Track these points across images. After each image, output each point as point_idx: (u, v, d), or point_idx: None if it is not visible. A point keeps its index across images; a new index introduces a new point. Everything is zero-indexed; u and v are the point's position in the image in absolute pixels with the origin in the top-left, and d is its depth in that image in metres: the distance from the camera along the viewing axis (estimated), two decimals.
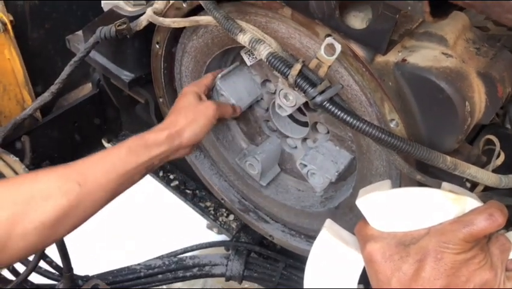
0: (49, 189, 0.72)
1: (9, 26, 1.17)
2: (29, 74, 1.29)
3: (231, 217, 1.39)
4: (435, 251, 0.51)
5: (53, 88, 1.05)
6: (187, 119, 0.85)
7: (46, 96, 1.06)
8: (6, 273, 1.16)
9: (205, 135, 0.89)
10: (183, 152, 0.87)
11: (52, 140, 1.33)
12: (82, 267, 1.23)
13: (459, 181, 0.67)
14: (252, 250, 1.24)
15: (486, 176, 0.67)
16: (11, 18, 1.17)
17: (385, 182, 0.63)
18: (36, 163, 1.26)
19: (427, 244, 0.52)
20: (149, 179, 1.63)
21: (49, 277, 1.20)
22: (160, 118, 1.15)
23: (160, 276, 1.22)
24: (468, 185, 0.71)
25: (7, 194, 0.71)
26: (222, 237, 1.61)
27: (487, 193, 0.70)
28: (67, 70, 1.02)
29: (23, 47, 1.24)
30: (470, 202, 0.54)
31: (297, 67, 0.66)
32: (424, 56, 0.67)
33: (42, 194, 0.71)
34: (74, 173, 0.75)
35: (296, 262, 1.19)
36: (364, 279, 0.62)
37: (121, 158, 0.79)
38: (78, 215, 0.74)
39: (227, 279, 1.23)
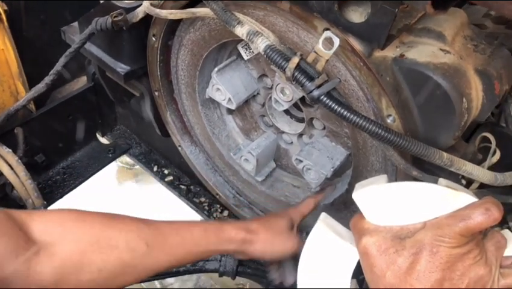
0: (118, 240, 0.72)
1: (3, 16, 1.15)
2: (24, 65, 1.28)
3: (225, 213, 1.38)
4: (431, 244, 0.51)
5: (47, 79, 1.04)
6: (267, 237, 0.86)
7: (40, 87, 1.05)
8: None
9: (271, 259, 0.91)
10: (243, 256, 0.88)
11: (45, 133, 1.32)
12: None
13: (455, 178, 0.67)
14: None
15: (482, 174, 0.67)
16: (5, 8, 1.15)
17: (382, 176, 0.63)
18: (29, 155, 1.25)
19: (422, 237, 0.52)
20: (144, 174, 1.62)
21: None
22: (155, 111, 1.14)
23: None
24: (463, 182, 0.71)
25: (76, 230, 0.70)
26: None
27: (482, 191, 0.70)
28: (61, 61, 1.01)
29: (18, 38, 1.23)
30: (466, 198, 0.54)
31: (295, 60, 0.66)
32: (423, 52, 0.67)
33: (109, 242, 0.71)
34: (146, 233, 0.75)
35: None
36: (357, 273, 0.62)
37: (194, 237, 0.80)
38: (135, 273, 0.74)
39: (221, 275, 1.22)
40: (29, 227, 0.66)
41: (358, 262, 0.61)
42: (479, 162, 0.71)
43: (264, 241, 0.85)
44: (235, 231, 0.84)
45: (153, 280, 1.25)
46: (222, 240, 0.82)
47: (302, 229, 0.92)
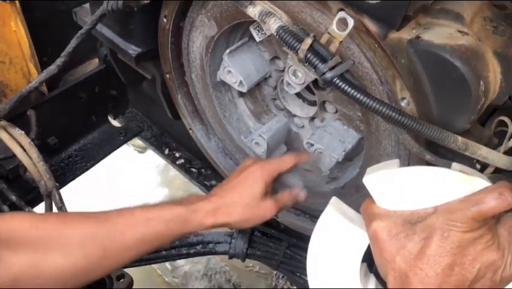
0: (71, 246, 0.70)
1: None
2: (36, 47, 1.28)
3: None
4: (442, 229, 0.51)
5: (59, 61, 1.04)
6: (243, 216, 0.82)
7: (51, 69, 1.05)
8: None
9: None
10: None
11: (58, 115, 1.33)
12: None
13: (470, 162, 0.66)
14: (255, 229, 1.24)
15: (497, 158, 0.65)
16: None
17: (394, 161, 0.62)
18: (42, 138, 1.26)
19: (434, 222, 0.52)
20: (155, 156, 1.63)
21: None
22: (166, 94, 1.14)
23: (164, 252, 1.22)
24: (478, 166, 0.69)
25: (32, 236, 0.69)
26: None
27: (497, 175, 0.69)
28: (73, 42, 1.01)
29: (30, 19, 1.23)
30: (479, 182, 0.53)
31: (308, 41, 0.65)
32: (439, 33, 0.65)
33: (63, 249, 0.70)
34: (102, 233, 0.73)
35: (300, 241, 1.18)
36: (367, 258, 0.62)
37: (155, 233, 0.76)
38: (96, 273, 0.73)
39: (231, 257, 1.23)
40: None
41: (368, 247, 0.61)
42: (494, 147, 0.69)
43: (241, 222, 0.82)
44: (203, 218, 0.79)
45: (164, 261, 1.26)
46: (189, 227, 0.79)
47: (280, 187, 0.87)
